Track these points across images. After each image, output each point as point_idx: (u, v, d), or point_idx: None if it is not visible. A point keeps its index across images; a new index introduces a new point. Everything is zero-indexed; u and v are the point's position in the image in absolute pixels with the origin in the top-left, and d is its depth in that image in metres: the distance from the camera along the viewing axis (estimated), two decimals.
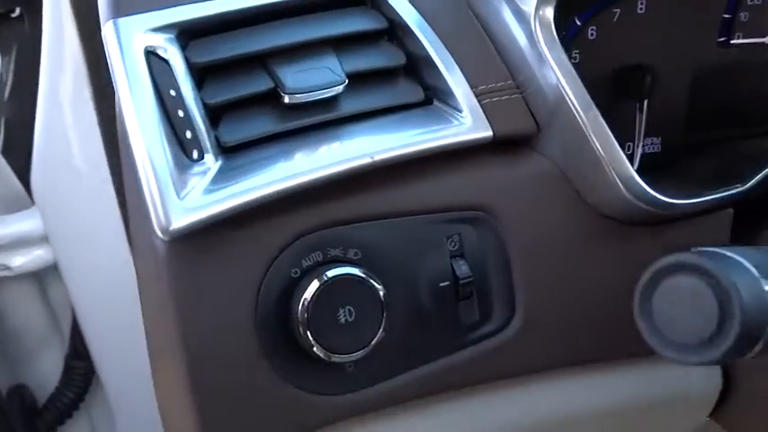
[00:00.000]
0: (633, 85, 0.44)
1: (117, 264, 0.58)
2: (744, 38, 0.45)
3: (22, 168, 0.61)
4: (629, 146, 0.46)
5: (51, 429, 0.69)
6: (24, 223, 0.61)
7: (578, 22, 0.43)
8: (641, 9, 0.43)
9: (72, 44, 0.53)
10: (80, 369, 0.68)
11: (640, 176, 0.45)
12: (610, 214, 0.36)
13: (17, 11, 0.55)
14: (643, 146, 0.46)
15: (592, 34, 0.43)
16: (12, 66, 0.57)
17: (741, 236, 0.39)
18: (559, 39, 0.42)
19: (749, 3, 0.45)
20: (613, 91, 0.44)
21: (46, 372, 0.69)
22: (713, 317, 0.20)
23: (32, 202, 0.62)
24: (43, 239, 0.62)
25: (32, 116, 0.58)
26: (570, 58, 0.43)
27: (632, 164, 0.46)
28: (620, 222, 0.37)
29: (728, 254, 0.22)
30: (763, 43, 0.45)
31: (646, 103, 0.44)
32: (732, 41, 0.45)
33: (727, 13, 0.45)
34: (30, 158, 0.60)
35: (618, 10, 0.43)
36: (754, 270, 0.21)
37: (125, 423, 0.69)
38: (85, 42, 0.51)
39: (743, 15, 0.45)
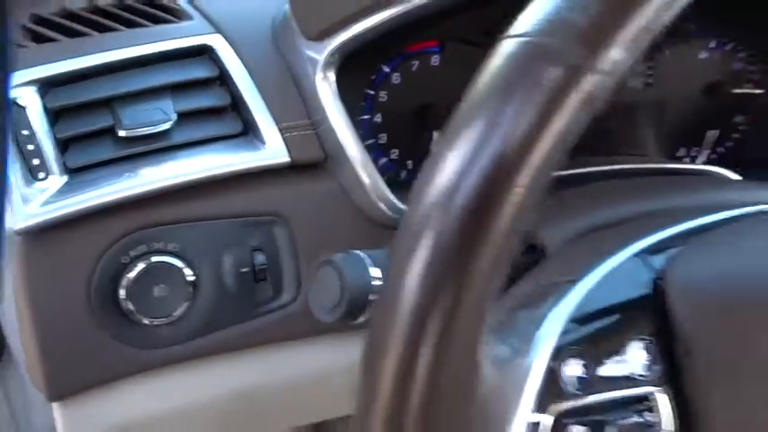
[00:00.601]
0: (427, 120, 0.57)
1: None
2: None
3: None
4: None
5: None
6: None
7: (386, 69, 0.55)
8: (435, 62, 0.56)
9: None
10: None
11: None
12: (378, 222, 0.49)
13: None
14: None
15: (396, 79, 0.56)
16: None
17: None
18: (369, 82, 0.55)
19: None
20: (414, 123, 0.57)
21: None
22: (337, 292, 0.33)
23: None
24: None
25: None
26: (378, 97, 0.56)
27: None
28: (386, 228, 0.50)
29: (357, 252, 0.35)
30: None
31: (436, 134, 0.57)
32: None
33: None
34: None
35: (417, 61, 0.56)
36: (369, 261, 0.34)
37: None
38: None
39: None
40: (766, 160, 0.64)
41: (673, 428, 0.27)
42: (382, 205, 0.47)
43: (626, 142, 0.63)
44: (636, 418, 0.26)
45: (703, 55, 0.62)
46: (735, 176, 0.58)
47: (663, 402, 0.27)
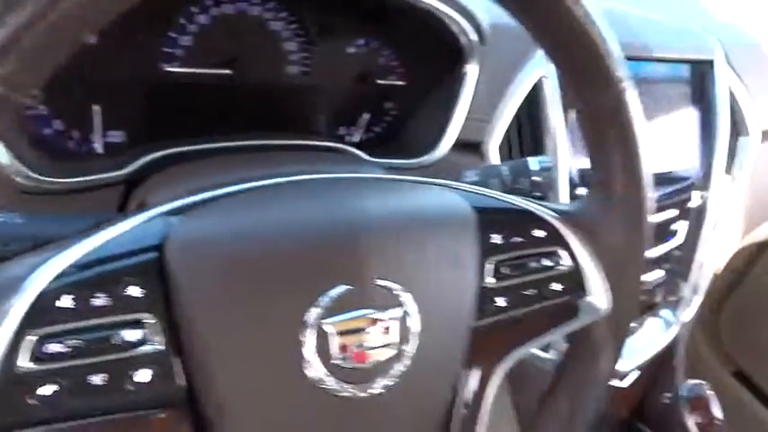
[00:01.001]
0: (90, 92, 0.61)
1: None
2: (179, 68, 0.65)
3: None
4: (93, 137, 0.64)
5: None
6: None
7: None
8: (90, 40, 0.60)
9: None
10: None
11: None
12: (21, 190, 0.53)
13: None
14: (107, 137, 0.64)
15: None
16: None
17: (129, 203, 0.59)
18: None
19: (182, 43, 0.64)
20: (77, 95, 0.61)
21: None
22: None
23: None
24: None
25: None
26: None
27: (100, 148, 0.64)
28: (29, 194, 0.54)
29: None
30: (193, 72, 0.65)
31: (96, 107, 0.62)
32: (168, 69, 0.64)
33: (165, 47, 0.64)
34: None
35: None
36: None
37: None
38: None
39: (178, 51, 0.64)
40: (415, 142, 0.78)
41: (164, 347, 0.36)
42: (19, 179, 0.52)
43: (294, 121, 0.74)
44: (112, 334, 0.34)
45: (352, 50, 0.73)
46: (363, 155, 0.71)
47: (153, 323, 0.35)
